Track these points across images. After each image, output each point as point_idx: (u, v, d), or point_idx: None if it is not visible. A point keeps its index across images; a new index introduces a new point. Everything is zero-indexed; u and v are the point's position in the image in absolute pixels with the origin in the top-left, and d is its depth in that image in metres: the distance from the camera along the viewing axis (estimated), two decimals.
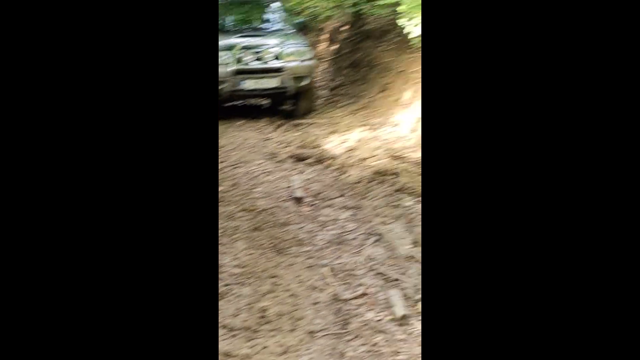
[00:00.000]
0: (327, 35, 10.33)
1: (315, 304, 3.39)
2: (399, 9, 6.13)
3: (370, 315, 3.34)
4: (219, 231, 4.09)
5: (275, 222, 4.57)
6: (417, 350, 3.10)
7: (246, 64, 7.85)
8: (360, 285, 3.64)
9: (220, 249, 3.86)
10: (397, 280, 3.74)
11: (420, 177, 5.44)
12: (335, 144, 6.61)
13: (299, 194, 5.18)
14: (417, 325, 3.30)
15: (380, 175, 5.52)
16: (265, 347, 2.91)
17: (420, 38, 6.17)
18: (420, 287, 3.68)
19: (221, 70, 7.40)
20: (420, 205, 4.89)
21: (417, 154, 6.06)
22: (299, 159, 6.24)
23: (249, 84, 7.87)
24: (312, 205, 4.94)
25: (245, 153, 6.53)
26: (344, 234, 4.33)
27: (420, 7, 5.86)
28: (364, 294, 3.55)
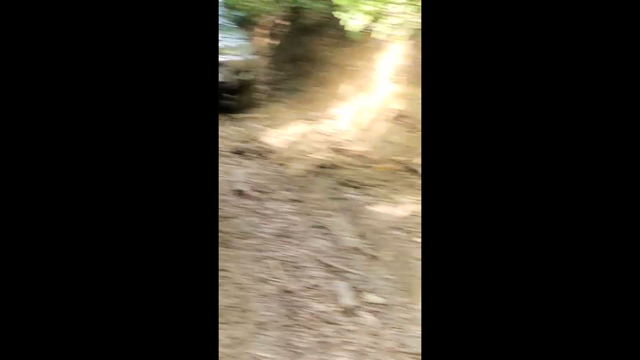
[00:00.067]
0: (266, 30, 10.27)
1: (262, 296, 3.37)
2: (337, 2, 6.15)
3: (318, 306, 3.35)
4: None
5: (220, 216, 4.52)
6: (366, 340, 3.13)
7: None
8: (306, 277, 3.64)
9: None
10: (343, 271, 3.77)
11: (362, 169, 5.50)
12: (276, 137, 6.59)
13: (241, 187, 5.14)
14: (365, 316, 3.34)
15: (322, 168, 5.54)
16: None
17: (358, 31, 6.22)
18: (366, 277, 3.73)
19: None
20: (363, 196, 4.94)
21: (358, 147, 6.12)
22: (241, 153, 6.19)
23: None
24: (255, 198, 4.91)
25: None
26: (289, 227, 4.32)
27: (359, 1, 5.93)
28: (311, 286, 3.55)
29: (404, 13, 6.58)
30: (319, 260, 3.86)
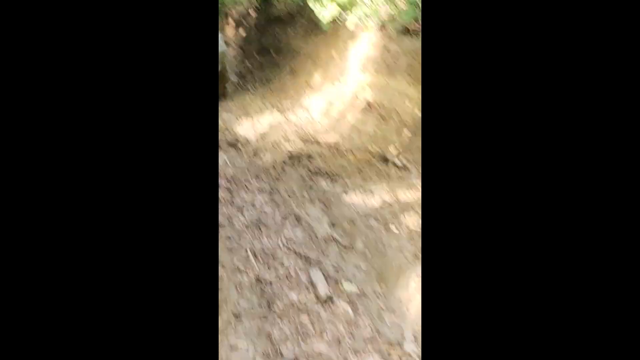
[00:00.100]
0: (235, 20, 10.19)
1: (238, 286, 3.36)
2: None
3: (294, 296, 3.35)
4: None
5: None
6: (342, 329, 3.14)
7: None
8: (282, 266, 3.63)
9: None
10: (318, 261, 3.76)
11: (334, 159, 5.50)
12: (247, 128, 6.55)
13: None
14: (340, 305, 3.34)
15: (294, 158, 5.53)
16: None
17: (328, 21, 6.21)
18: (341, 267, 3.73)
19: None
20: (336, 186, 4.94)
21: (330, 137, 6.11)
22: None
23: None
24: (227, 189, 4.88)
25: None
26: (262, 217, 4.30)
27: None
28: (286, 276, 3.54)
29: (374, 3, 6.59)
30: (293, 250, 3.85)
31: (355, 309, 3.36)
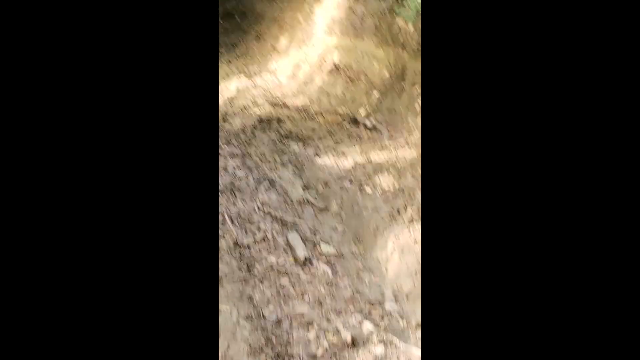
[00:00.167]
0: None
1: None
2: None
3: (272, 259, 3.33)
4: None
5: None
6: (323, 290, 3.14)
7: None
8: (258, 230, 3.61)
9: None
10: (294, 224, 3.75)
11: (304, 122, 5.46)
12: None
13: None
14: (319, 267, 3.34)
15: (264, 122, 5.47)
16: None
17: None
18: (317, 229, 3.73)
19: None
20: (307, 149, 4.91)
21: (298, 101, 6.05)
22: None
23: None
24: None
25: None
26: (236, 182, 4.25)
27: None
28: (263, 239, 3.52)
29: None
30: (269, 213, 3.82)
31: (334, 270, 3.37)
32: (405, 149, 4.76)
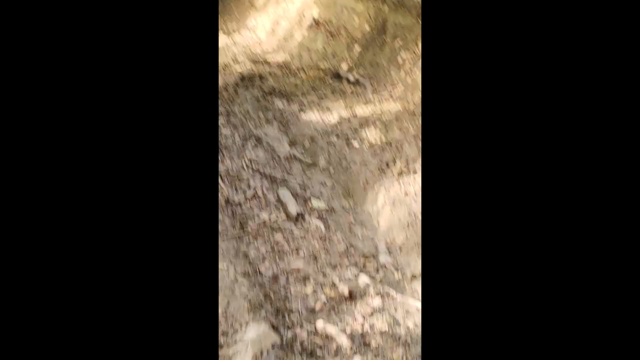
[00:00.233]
0: None
1: None
2: None
3: (265, 215, 3.32)
4: None
5: None
6: (317, 245, 3.14)
7: None
8: (248, 188, 3.58)
9: None
10: (283, 180, 3.73)
11: (286, 78, 5.40)
12: None
13: None
14: (312, 222, 3.33)
15: (246, 80, 5.39)
16: None
17: None
18: (307, 185, 3.71)
19: None
20: (291, 105, 4.86)
21: (279, 57, 5.98)
22: None
23: None
24: None
25: None
26: (222, 140, 4.20)
27: None
28: (254, 196, 3.50)
29: None
30: (258, 170, 3.80)
31: (326, 225, 3.36)
32: (390, 102, 4.74)
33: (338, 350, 2.44)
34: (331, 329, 2.54)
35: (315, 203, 3.55)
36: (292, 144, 4.24)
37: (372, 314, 2.69)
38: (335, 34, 5.95)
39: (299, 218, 3.34)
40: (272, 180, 3.71)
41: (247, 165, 3.84)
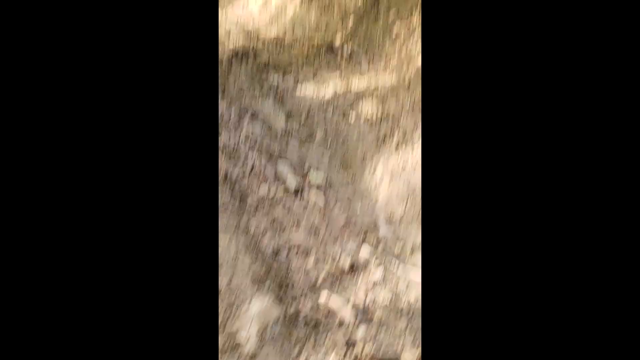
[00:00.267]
0: None
1: None
2: None
3: (264, 190, 3.31)
4: None
5: None
6: (317, 219, 3.14)
7: None
8: (246, 162, 3.57)
9: None
10: (281, 154, 3.72)
11: (280, 53, 5.36)
12: None
13: None
14: (311, 195, 3.33)
15: (240, 54, 5.35)
16: None
17: None
18: (304, 158, 3.70)
19: None
20: (286, 79, 4.84)
21: (272, 32, 5.93)
22: None
23: None
24: None
25: None
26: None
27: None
28: (252, 170, 3.49)
29: None
30: (254, 145, 3.78)
31: (326, 198, 3.36)
32: (385, 75, 4.72)
33: (341, 322, 2.46)
34: (334, 302, 2.55)
35: (314, 177, 3.54)
36: (289, 118, 4.22)
37: (374, 286, 2.71)
38: (327, 7, 5.90)
39: (298, 191, 3.34)
40: (270, 154, 3.69)
41: (244, 140, 3.82)
